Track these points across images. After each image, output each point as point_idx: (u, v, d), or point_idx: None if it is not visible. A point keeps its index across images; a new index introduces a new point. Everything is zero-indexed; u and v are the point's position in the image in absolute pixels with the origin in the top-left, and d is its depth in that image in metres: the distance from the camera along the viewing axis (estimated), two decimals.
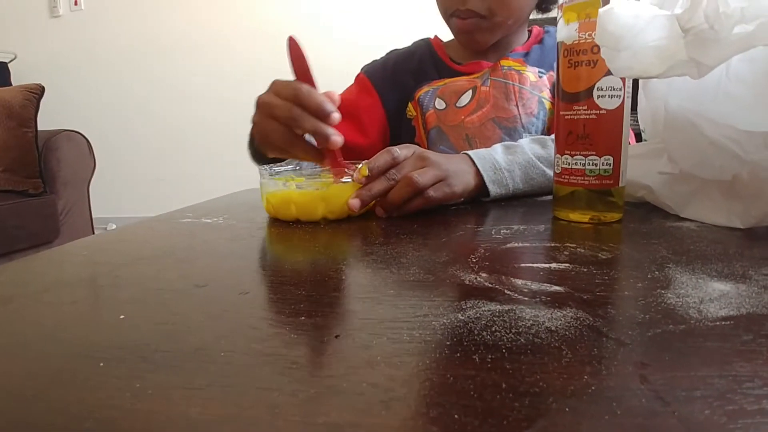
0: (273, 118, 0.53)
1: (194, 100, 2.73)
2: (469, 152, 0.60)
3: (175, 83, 2.74)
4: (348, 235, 0.48)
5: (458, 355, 0.22)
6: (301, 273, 0.36)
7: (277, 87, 0.54)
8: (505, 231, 0.45)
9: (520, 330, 0.25)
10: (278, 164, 0.64)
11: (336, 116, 0.51)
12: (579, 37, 0.46)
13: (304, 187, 0.53)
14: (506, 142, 0.64)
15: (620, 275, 0.33)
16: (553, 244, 0.41)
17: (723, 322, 0.25)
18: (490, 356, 0.22)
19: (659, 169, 0.48)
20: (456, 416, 0.18)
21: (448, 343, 0.23)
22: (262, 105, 0.55)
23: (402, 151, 0.55)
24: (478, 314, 0.27)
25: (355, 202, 0.52)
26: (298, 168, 0.62)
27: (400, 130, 0.90)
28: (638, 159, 0.51)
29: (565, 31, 0.47)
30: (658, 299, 0.28)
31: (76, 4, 2.76)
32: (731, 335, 0.24)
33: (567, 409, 0.18)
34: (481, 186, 0.59)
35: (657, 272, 0.33)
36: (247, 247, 0.44)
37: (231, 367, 0.22)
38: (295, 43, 0.52)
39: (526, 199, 0.61)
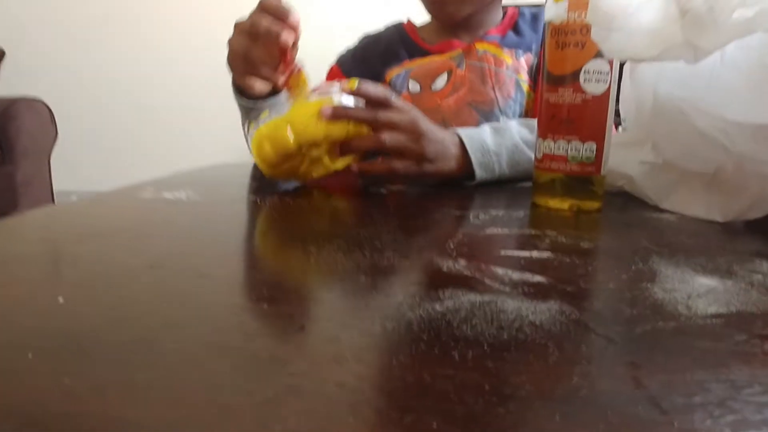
0: (240, 32, 0.55)
1: (164, 70, 2.63)
2: (460, 131, 0.58)
3: (144, 52, 2.63)
4: (318, 215, 0.46)
5: (436, 351, 0.20)
6: (267, 256, 0.34)
7: (239, 27, 0.56)
8: (483, 216, 0.44)
9: (503, 324, 0.23)
10: None
11: (296, 16, 0.52)
12: (568, 16, 0.44)
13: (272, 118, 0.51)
14: (494, 123, 0.62)
15: (603, 266, 0.32)
16: (533, 232, 0.40)
17: (714, 320, 0.24)
18: (471, 353, 0.20)
19: (641, 159, 0.47)
20: (434, 424, 0.16)
21: (424, 337, 0.21)
22: (235, 25, 0.56)
23: (401, 102, 0.54)
24: (457, 305, 0.25)
25: (327, 109, 0.49)
26: None
27: None
28: (620, 148, 0.50)
29: (554, 10, 0.45)
30: (644, 293, 0.27)
31: None
32: (724, 335, 0.22)
33: (557, 416, 0.16)
34: (466, 168, 0.57)
35: (641, 264, 0.32)
36: (210, 227, 0.41)
37: (180, 362, 0.19)
38: None
39: (504, 185, 0.60)
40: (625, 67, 0.51)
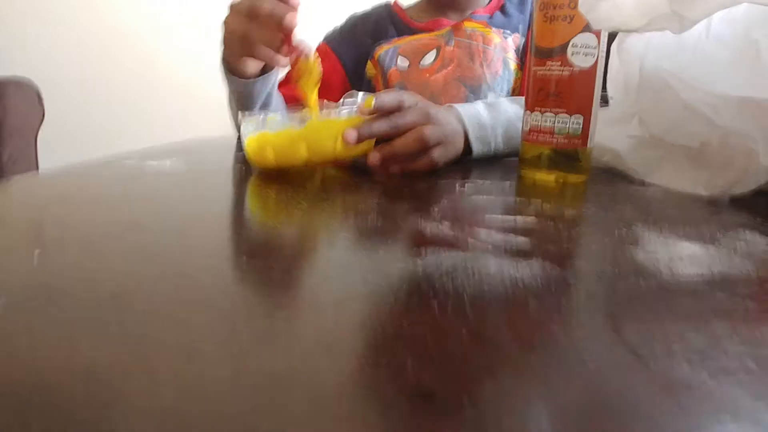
0: (237, 12, 0.53)
1: (156, 51, 2.57)
2: (456, 106, 0.57)
3: (137, 32, 2.57)
4: (302, 180, 0.45)
5: (415, 300, 0.20)
6: (249, 217, 0.33)
7: (235, 8, 0.53)
8: (469, 185, 0.43)
9: (483, 278, 0.22)
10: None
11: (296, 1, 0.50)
12: None
13: (282, 127, 0.48)
14: (487, 100, 0.62)
15: (587, 231, 0.31)
16: (518, 199, 0.39)
17: (695, 279, 0.24)
18: (450, 303, 0.20)
19: (628, 133, 0.46)
20: (409, 363, 0.15)
21: (404, 288, 0.21)
22: (230, 6, 0.54)
23: (408, 97, 0.51)
24: (438, 261, 0.24)
25: (352, 133, 0.46)
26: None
27: (359, 90, 0.87)
28: (606, 124, 0.49)
29: None
30: (626, 254, 0.27)
31: None
32: (705, 293, 0.22)
33: (534, 359, 0.16)
34: (466, 145, 0.56)
35: (624, 230, 0.31)
36: (193, 191, 0.41)
37: (152, 313, 0.19)
38: None
39: (492, 160, 0.59)
40: (613, 44, 0.51)
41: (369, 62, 0.86)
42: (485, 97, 0.78)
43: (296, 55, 0.51)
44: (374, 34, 0.87)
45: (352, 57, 0.88)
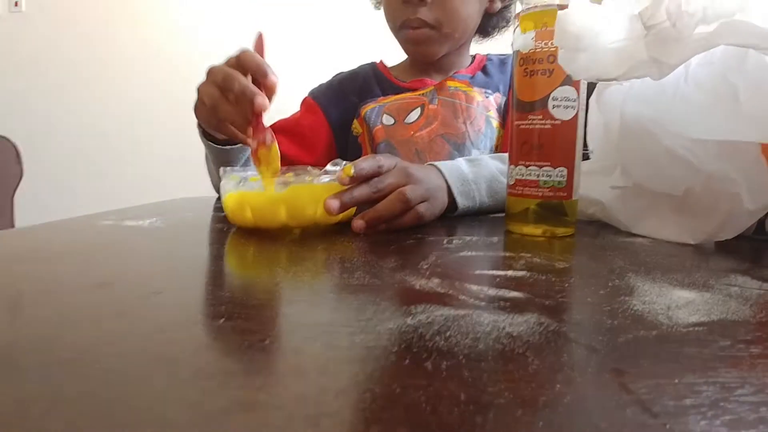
0: (212, 82, 0.52)
1: (134, 111, 2.61)
2: (436, 164, 0.57)
3: (114, 92, 2.61)
4: (283, 237, 0.44)
5: (407, 362, 0.19)
6: (228, 274, 0.32)
7: (211, 76, 0.53)
8: (457, 241, 0.43)
9: (479, 335, 0.21)
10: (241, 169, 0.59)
11: (274, 78, 0.49)
12: (535, 45, 0.45)
13: (261, 188, 0.47)
14: (468, 156, 0.62)
15: (580, 283, 0.30)
16: (507, 254, 0.39)
17: (696, 328, 0.23)
18: (445, 363, 0.18)
19: (611, 184, 0.47)
20: None
21: (394, 349, 0.20)
22: (208, 72, 0.53)
23: (386, 161, 0.50)
24: (430, 318, 0.23)
25: (334, 203, 0.45)
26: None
27: (345, 148, 0.88)
28: (589, 176, 0.50)
29: (522, 40, 0.46)
30: (623, 306, 0.26)
31: (16, 5, 2.59)
32: (708, 341, 0.21)
33: (541, 424, 0.15)
34: (450, 201, 0.56)
35: (617, 281, 0.31)
36: (169, 248, 0.39)
37: (117, 375, 0.17)
38: (262, 38, 0.54)
39: (479, 216, 0.59)
40: (591, 97, 0.52)
41: (355, 120, 0.87)
42: (469, 153, 0.79)
43: (258, 142, 0.49)
44: (360, 93, 0.89)
45: (339, 114, 0.89)
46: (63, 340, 0.20)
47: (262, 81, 0.49)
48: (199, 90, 0.54)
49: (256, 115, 0.49)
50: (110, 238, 0.44)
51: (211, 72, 0.53)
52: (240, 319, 0.23)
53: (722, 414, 0.15)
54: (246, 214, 0.45)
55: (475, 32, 0.87)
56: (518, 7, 0.47)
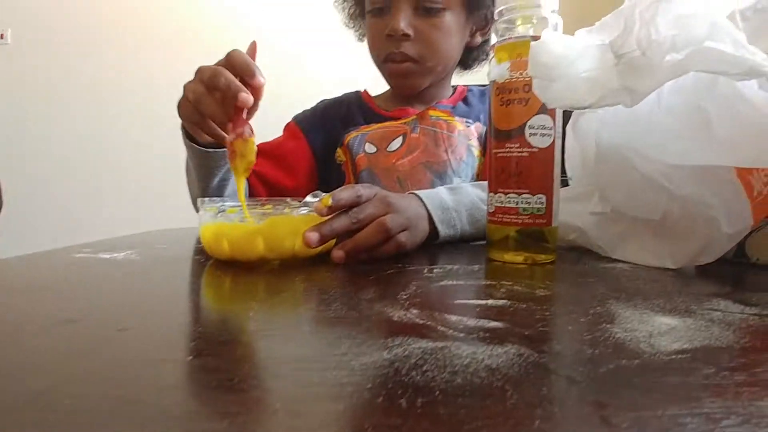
0: (199, 80, 0.51)
1: (120, 142, 2.59)
2: (417, 192, 0.57)
3: (100, 123, 2.60)
4: (263, 269, 0.43)
5: (381, 399, 0.18)
6: (201, 308, 0.31)
7: (199, 74, 0.52)
8: (437, 270, 0.42)
9: (456, 369, 0.20)
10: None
11: (261, 80, 0.49)
12: (510, 75, 0.45)
13: (240, 220, 0.46)
14: (449, 185, 0.62)
15: (561, 311, 0.30)
16: (488, 282, 0.38)
17: (679, 356, 0.22)
18: (420, 400, 0.18)
19: (590, 210, 0.47)
20: None
21: (368, 385, 0.19)
22: (197, 71, 0.53)
23: (365, 191, 0.50)
24: (407, 352, 0.22)
25: (313, 236, 0.44)
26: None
27: (329, 175, 0.88)
28: (569, 202, 0.50)
29: (497, 70, 0.47)
30: (604, 334, 0.25)
31: (1, 37, 2.59)
32: (691, 369, 0.21)
33: None
34: (431, 229, 0.56)
35: (599, 308, 0.30)
36: (142, 282, 0.38)
37: (75, 416, 0.16)
38: (255, 46, 0.54)
39: (459, 245, 0.59)
40: (568, 125, 0.53)
41: (339, 149, 0.87)
42: (450, 181, 0.79)
43: (236, 134, 0.49)
44: (344, 121, 0.90)
45: (322, 141, 0.89)
46: (21, 379, 0.19)
47: (249, 81, 0.49)
48: (185, 87, 0.54)
49: (238, 109, 0.49)
50: (83, 271, 0.42)
51: (200, 70, 0.53)
52: (209, 356, 0.22)
53: None
54: (223, 246, 0.44)
55: (457, 65, 0.89)
56: (494, 39, 0.47)
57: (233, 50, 0.51)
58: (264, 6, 2.57)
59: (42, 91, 2.64)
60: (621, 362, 0.22)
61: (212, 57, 0.54)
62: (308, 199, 0.48)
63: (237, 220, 0.46)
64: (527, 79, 0.44)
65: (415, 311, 0.29)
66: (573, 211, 0.50)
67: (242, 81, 0.50)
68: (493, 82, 0.47)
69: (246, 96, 0.48)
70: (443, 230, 0.55)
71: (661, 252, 0.43)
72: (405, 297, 0.33)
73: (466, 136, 0.83)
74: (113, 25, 2.62)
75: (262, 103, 0.52)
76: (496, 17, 0.47)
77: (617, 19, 0.32)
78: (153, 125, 2.48)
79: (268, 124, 0.82)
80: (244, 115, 0.50)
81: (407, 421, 0.16)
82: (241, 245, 0.44)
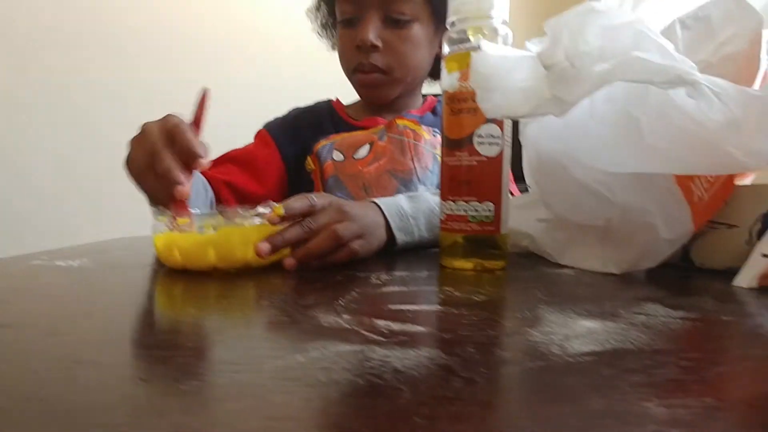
0: (143, 146, 0.48)
1: (72, 156, 2.57)
2: (376, 200, 0.58)
3: (80, 128, 2.57)
4: (216, 276, 0.43)
5: (277, 398, 0.18)
6: (139, 315, 0.31)
7: (165, 117, 0.49)
8: (385, 277, 0.43)
9: (363, 371, 0.21)
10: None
11: (204, 162, 0.46)
12: (460, 85, 0.46)
13: (191, 230, 0.46)
14: (409, 193, 0.63)
15: (489, 317, 0.31)
16: (430, 288, 0.39)
17: (585, 358, 0.23)
18: (315, 400, 0.18)
19: (537, 217, 0.48)
20: None
21: (269, 385, 0.19)
22: (142, 129, 0.50)
23: (319, 200, 0.50)
24: (321, 355, 0.23)
25: (265, 246, 0.44)
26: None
27: (299, 183, 0.89)
28: (520, 209, 0.51)
29: (448, 80, 0.48)
30: (522, 337, 0.26)
31: None
32: (591, 371, 0.22)
33: None
34: (389, 237, 0.56)
35: (527, 312, 0.31)
36: (90, 290, 0.38)
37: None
38: (206, 96, 0.52)
39: (419, 250, 0.59)
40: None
41: (309, 157, 0.88)
42: (416, 189, 0.80)
43: (173, 225, 0.46)
44: (315, 130, 0.90)
45: (293, 150, 0.90)
46: None
47: (193, 163, 0.46)
48: (131, 148, 0.51)
49: (177, 205, 0.46)
50: (34, 278, 0.43)
51: (144, 133, 0.49)
52: (119, 360, 0.22)
53: None
54: (174, 256, 0.45)
55: (428, 75, 0.90)
56: (446, 49, 0.48)
57: (176, 126, 0.47)
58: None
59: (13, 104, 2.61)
60: (526, 364, 0.22)
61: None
62: (260, 208, 0.48)
63: (188, 230, 0.46)
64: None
65: (346, 317, 0.30)
66: (524, 219, 0.51)
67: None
68: (445, 91, 0.48)
69: (182, 189, 0.45)
70: (400, 237, 0.56)
71: (604, 257, 0.44)
72: (342, 303, 0.33)
73: (432, 145, 0.84)
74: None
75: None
76: (447, 27, 0.49)
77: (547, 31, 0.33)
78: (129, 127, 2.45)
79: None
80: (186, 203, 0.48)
81: (291, 419, 0.17)
82: (192, 255, 0.44)
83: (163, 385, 0.20)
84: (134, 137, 0.51)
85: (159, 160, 0.46)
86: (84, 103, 2.48)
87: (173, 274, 0.44)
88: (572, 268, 0.47)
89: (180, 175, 0.45)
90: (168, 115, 0.50)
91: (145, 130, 0.50)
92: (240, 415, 0.17)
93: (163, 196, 0.48)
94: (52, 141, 2.42)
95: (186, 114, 0.51)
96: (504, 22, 0.47)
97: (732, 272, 0.41)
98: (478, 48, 0.44)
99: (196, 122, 0.51)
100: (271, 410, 0.17)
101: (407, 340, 0.25)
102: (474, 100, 0.45)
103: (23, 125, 2.56)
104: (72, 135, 2.51)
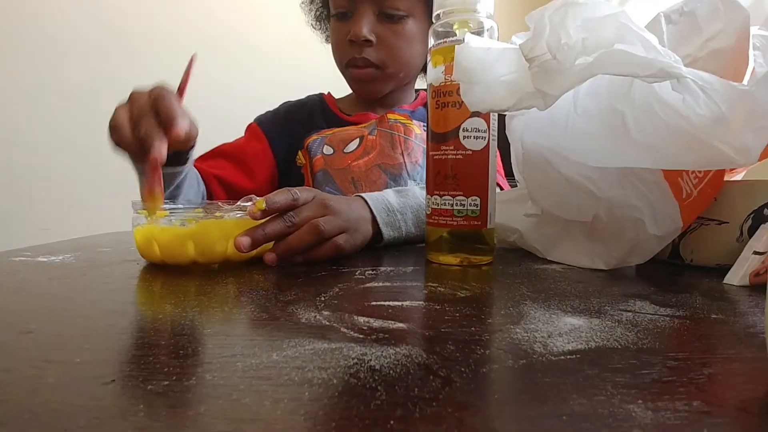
0: (127, 110, 0.48)
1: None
2: (363, 194, 0.57)
3: (67, 130, 2.54)
4: (196, 272, 0.42)
5: (247, 400, 0.18)
6: (115, 312, 0.30)
7: (154, 85, 0.49)
8: (370, 272, 0.42)
9: (338, 370, 0.20)
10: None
11: (179, 131, 0.45)
12: (445, 79, 0.46)
13: (170, 223, 0.45)
14: (397, 187, 0.62)
15: (472, 312, 0.30)
16: (414, 284, 0.38)
17: (568, 357, 0.22)
18: (286, 400, 0.17)
19: (524, 212, 0.47)
20: None
21: (241, 386, 0.19)
22: (130, 95, 0.50)
23: (302, 194, 0.49)
24: (297, 353, 0.22)
25: (245, 240, 0.44)
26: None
27: (289, 178, 0.88)
28: (507, 204, 0.51)
29: (433, 74, 0.47)
30: (504, 334, 0.25)
31: None
32: (575, 370, 0.21)
33: None
34: (375, 232, 0.56)
35: (511, 309, 0.31)
36: (68, 286, 0.37)
37: None
38: (192, 63, 0.52)
39: (406, 245, 0.59)
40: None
41: (300, 152, 0.87)
42: (405, 184, 0.80)
43: (150, 184, 0.45)
44: (306, 125, 0.89)
45: (284, 145, 0.89)
46: None
47: (169, 130, 0.45)
48: (115, 113, 0.50)
49: (152, 168, 0.45)
50: (13, 274, 0.41)
51: (131, 99, 0.49)
52: (95, 357, 0.21)
53: None
54: (154, 250, 0.44)
55: (421, 70, 0.89)
56: (431, 42, 0.48)
57: (161, 91, 0.47)
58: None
59: None
60: (507, 363, 0.22)
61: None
62: (241, 202, 0.47)
63: (167, 223, 0.45)
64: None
65: (326, 313, 0.29)
66: (512, 213, 0.50)
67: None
68: (430, 85, 0.48)
69: (157, 155, 0.44)
70: (387, 232, 0.55)
71: (592, 253, 0.44)
72: (323, 299, 0.32)
73: (423, 140, 0.84)
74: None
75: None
76: (433, 20, 0.48)
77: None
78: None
79: None
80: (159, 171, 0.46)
81: (260, 419, 0.16)
82: (171, 249, 0.44)
83: (131, 386, 0.19)
84: (120, 103, 0.50)
85: (140, 125, 0.46)
86: (60, 102, 2.44)
87: (154, 269, 0.43)
88: (560, 264, 0.46)
89: (158, 139, 0.45)
90: (157, 83, 0.50)
91: (131, 96, 0.50)
92: (206, 417, 0.16)
93: (140, 160, 0.48)
94: (31, 137, 2.39)
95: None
96: (489, 16, 0.46)
97: (723, 269, 0.41)
98: (462, 41, 0.44)
99: (180, 89, 0.50)
100: (239, 412, 0.17)
101: (386, 338, 0.25)
102: (459, 94, 0.45)
103: (4, 123, 2.52)
104: (53, 132, 2.47)
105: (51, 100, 2.32)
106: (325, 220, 0.47)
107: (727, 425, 0.16)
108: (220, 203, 0.47)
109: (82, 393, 0.18)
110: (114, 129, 0.49)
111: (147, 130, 0.45)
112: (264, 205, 0.45)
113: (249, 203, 0.46)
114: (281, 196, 0.47)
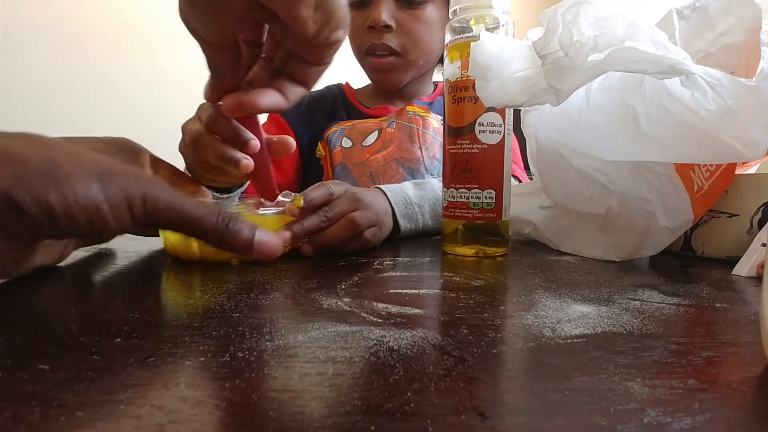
0: (191, 145, 0.48)
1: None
2: (381, 186, 0.58)
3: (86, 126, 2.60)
4: (212, 265, 0.44)
5: (276, 374, 0.19)
6: (133, 297, 0.32)
7: (199, 112, 0.48)
8: (387, 262, 0.44)
9: (359, 349, 0.22)
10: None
11: (254, 143, 0.43)
12: (461, 74, 0.47)
13: None
14: (415, 180, 0.64)
15: (485, 300, 0.32)
16: (430, 274, 0.40)
17: (575, 340, 0.24)
18: (311, 376, 0.19)
19: (539, 205, 0.48)
20: None
21: (272, 362, 0.21)
22: (183, 132, 0.49)
23: (336, 188, 0.50)
24: (321, 335, 0.24)
25: (286, 235, 0.45)
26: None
27: (309, 169, 0.89)
28: (522, 197, 0.52)
29: (450, 69, 0.48)
30: (515, 320, 0.27)
31: None
32: (579, 352, 0.22)
33: (372, 428, 0.15)
34: (393, 224, 0.57)
35: (523, 297, 0.32)
36: (68, 272, 0.39)
37: None
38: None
39: (422, 238, 0.60)
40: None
41: (320, 143, 0.88)
42: (422, 178, 0.81)
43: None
44: (327, 116, 0.90)
45: (308, 135, 0.89)
46: None
47: (243, 148, 0.44)
48: (181, 152, 0.51)
49: (255, 174, 0.45)
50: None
51: (186, 132, 0.48)
52: (136, 339, 0.23)
53: (555, 418, 0.16)
54: (192, 247, 0.45)
55: (438, 61, 0.90)
56: (448, 38, 0.49)
57: (215, 115, 0.44)
58: None
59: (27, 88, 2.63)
60: (517, 345, 0.23)
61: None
62: (280, 198, 0.48)
63: None
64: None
65: (346, 299, 0.31)
66: (527, 206, 0.51)
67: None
68: (447, 80, 0.49)
69: (246, 162, 0.44)
70: (404, 225, 0.57)
71: (605, 245, 0.45)
72: (343, 287, 0.34)
73: (440, 135, 0.84)
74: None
75: None
76: (450, 16, 0.49)
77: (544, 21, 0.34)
78: (150, 122, 2.48)
79: None
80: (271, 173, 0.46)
81: (288, 392, 0.18)
82: (179, 248, 0.45)
83: (170, 363, 0.21)
84: (180, 143, 0.50)
85: (206, 154, 0.45)
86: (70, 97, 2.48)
87: (177, 264, 0.45)
88: (573, 255, 0.48)
89: (233, 155, 0.44)
90: (200, 105, 0.48)
91: (184, 131, 0.49)
92: (240, 387, 0.18)
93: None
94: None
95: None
96: (505, 12, 0.47)
97: (733, 261, 0.41)
98: (478, 38, 0.45)
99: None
100: (270, 383, 0.18)
101: (404, 322, 0.26)
102: (475, 89, 0.46)
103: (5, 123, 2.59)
104: (54, 132, 2.51)
105: (59, 95, 2.36)
106: (359, 214, 0.49)
107: (718, 400, 0.18)
108: (262, 200, 0.48)
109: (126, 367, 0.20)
110: (187, 165, 0.51)
111: (218, 153, 0.44)
112: (302, 203, 0.46)
113: (286, 199, 0.48)
114: (318, 192, 0.48)
